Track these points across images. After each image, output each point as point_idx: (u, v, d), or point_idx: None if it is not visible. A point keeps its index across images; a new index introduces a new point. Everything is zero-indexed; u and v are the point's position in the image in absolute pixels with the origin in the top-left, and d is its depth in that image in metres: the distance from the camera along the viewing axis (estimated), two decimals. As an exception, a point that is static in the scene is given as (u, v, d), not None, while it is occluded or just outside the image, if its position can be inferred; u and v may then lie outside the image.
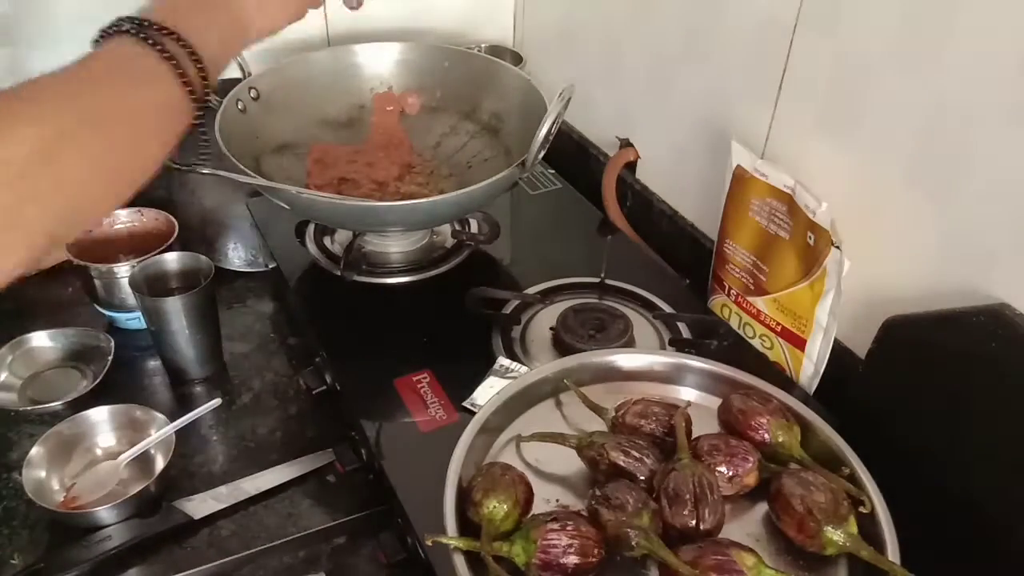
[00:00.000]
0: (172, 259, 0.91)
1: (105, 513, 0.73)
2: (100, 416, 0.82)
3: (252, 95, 0.96)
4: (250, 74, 0.97)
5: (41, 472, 0.77)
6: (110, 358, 0.90)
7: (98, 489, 0.77)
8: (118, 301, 0.96)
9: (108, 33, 0.53)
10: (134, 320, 0.96)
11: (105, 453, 0.81)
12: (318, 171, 0.99)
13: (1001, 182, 0.63)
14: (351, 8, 0.77)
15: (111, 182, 0.50)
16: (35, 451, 0.77)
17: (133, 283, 0.86)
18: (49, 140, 0.45)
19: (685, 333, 0.86)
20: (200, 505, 0.76)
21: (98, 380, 0.89)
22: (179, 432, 0.80)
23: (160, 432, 0.80)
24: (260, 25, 0.63)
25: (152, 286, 0.88)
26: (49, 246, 0.46)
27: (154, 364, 0.93)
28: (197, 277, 0.89)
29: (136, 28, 0.52)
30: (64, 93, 0.48)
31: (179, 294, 0.86)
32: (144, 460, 0.80)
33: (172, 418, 0.81)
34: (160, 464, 0.78)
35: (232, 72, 0.95)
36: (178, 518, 0.74)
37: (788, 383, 0.82)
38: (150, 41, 0.52)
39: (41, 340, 0.93)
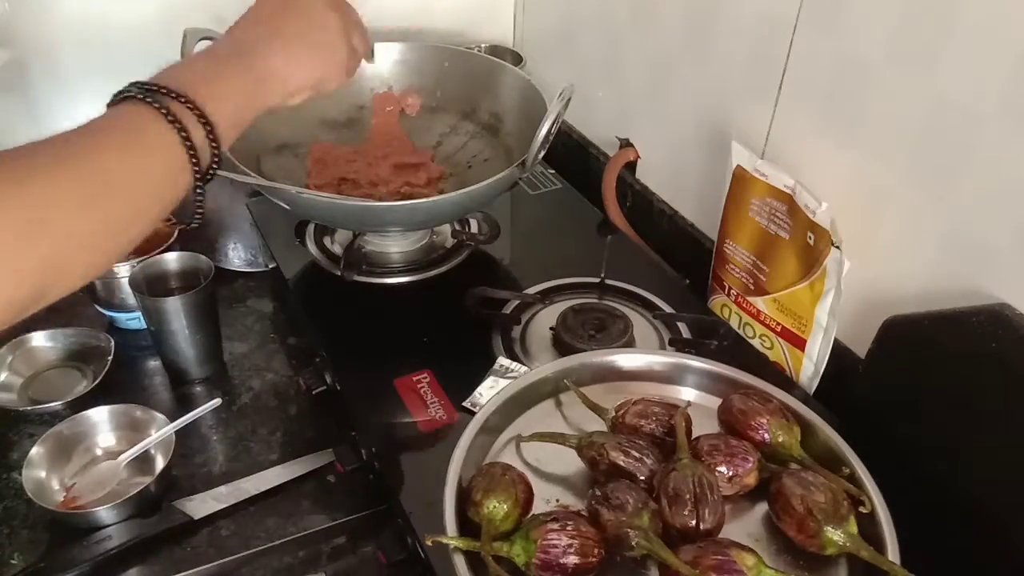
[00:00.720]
0: (172, 259, 0.91)
1: (105, 513, 0.73)
2: (100, 416, 0.82)
3: (252, 95, 0.96)
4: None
5: (41, 472, 0.77)
6: (110, 358, 0.90)
7: (98, 489, 0.77)
8: (118, 301, 0.96)
9: (118, 99, 0.51)
10: (134, 320, 0.96)
11: (105, 453, 0.81)
12: (318, 171, 0.99)
13: (1001, 182, 0.63)
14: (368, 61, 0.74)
15: (101, 247, 0.48)
16: (35, 451, 0.77)
17: (133, 283, 0.86)
18: (35, 210, 0.43)
19: (685, 333, 0.86)
20: (200, 505, 0.76)
21: (98, 380, 0.89)
22: (179, 432, 0.80)
23: (160, 432, 0.80)
24: (285, 88, 0.60)
25: (152, 286, 0.88)
26: (30, 306, 0.45)
27: (154, 364, 0.93)
28: (197, 277, 0.89)
29: (144, 93, 0.51)
30: (57, 159, 0.46)
31: (179, 294, 0.86)
32: (144, 460, 0.80)
33: (172, 418, 0.81)
34: (160, 464, 0.78)
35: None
36: (178, 518, 0.74)
37: (788, 383, 0.82)
38: (156, 105, 0.50)
39: (41, 340, 0.93)
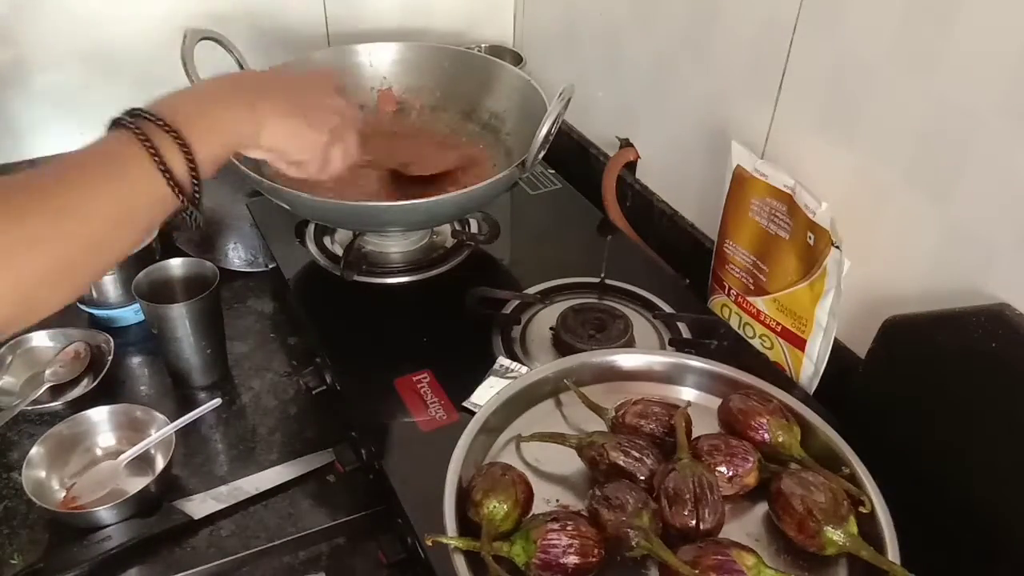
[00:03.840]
0: (176, 265, 0.91)
1: (105, 513, 0.73)
2: (100, 416, 0.82)
3: (252, 95, 0.96)
4: (250, 74, 0.97)
5: (41, 472, 0.77)
6: (110, 358, 0.90)
7: (98, 489, 0.77)
8: (101, 299, 0.97)
9: (112, 126, 0.54)
10: (120, 314, 0.97)
11: (105, 453, 0.81)
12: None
13: (1001, 182, 0.63)
14: None
15: (71, 277, 0.51)
16: (35, 451, 0.77)
17: (137, 289, 0.86)
18: (10, 243, 0.46)
19: (685, 333, 0.86)
20: (200, 505, 0.76)
21: (98, 380, 0.89)
22: (179, 432, 0.80)
23: (160, 432, 0.80)
24: (269, 141, 0.62)
25: (156, 292, 0.88)
26: (3, 330, 0.47)
27: (154, 364, 0.93)
28: (202, 283, 0.88)
29: (134, 122, 0.53)
30: (35, 192, 0.48)
31: (184, 300, 0.85)
32: (144, 460, 0.80)
33: (172, 418, 0.81)
34: (160, 464, 0.78)
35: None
36: (178, 518, 0.74)
37: (788, 383, 0.82)
38: (142, 138, 0.52)
39: (41, 340, 0.93)
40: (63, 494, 0.77)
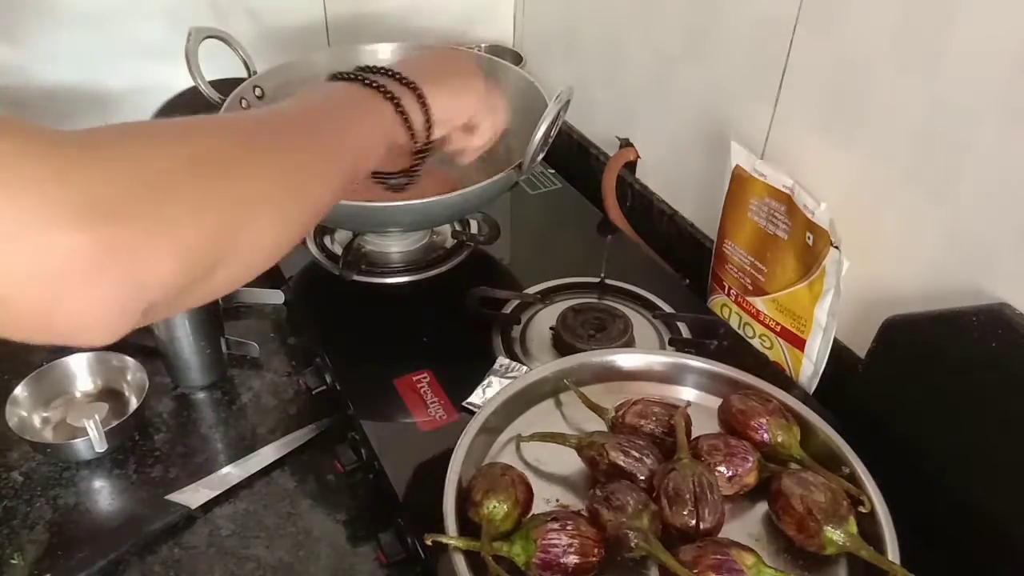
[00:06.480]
0: None
1: (82, 446, 0.77)
2: (79, 363, 0.85)
3: (256, 93, 0.96)
4: (255, 72, 0.97)
5: (23, 411, 0.81)
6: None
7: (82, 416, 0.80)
8: None
9: (336, 78, 0.56)
10: None
11: (84, 396, 0.86)
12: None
13: (1001, 182, 0.63)
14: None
15: (294, 218, 0.47)
16: (19, 391, 0.81)
17: None
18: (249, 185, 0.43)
19: (685, 333, 0.86)
20: (193, 495, 0.75)
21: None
22: (179, 432, 0.80)
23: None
24: (453, 116, 0.64)
25: None
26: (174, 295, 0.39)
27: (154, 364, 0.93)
28: None
29: (363, 75, 0.55)
30: (296, 132, 0.48)
31: None
32: (120, 403, 0.85)
33: (172, 417, 0.81)
34: (134, 404, 0.81)
35: (238, 71, 0.95)
36: (176, 510, 0.74)
37: (788, 383, 0.82)
38: (374, 85, 0.55)
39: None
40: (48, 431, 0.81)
